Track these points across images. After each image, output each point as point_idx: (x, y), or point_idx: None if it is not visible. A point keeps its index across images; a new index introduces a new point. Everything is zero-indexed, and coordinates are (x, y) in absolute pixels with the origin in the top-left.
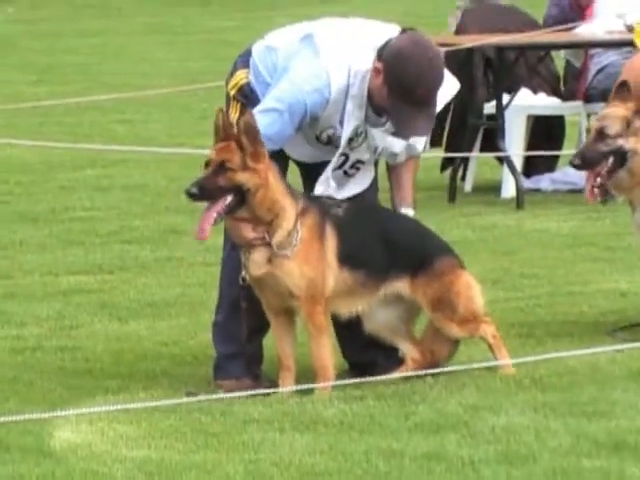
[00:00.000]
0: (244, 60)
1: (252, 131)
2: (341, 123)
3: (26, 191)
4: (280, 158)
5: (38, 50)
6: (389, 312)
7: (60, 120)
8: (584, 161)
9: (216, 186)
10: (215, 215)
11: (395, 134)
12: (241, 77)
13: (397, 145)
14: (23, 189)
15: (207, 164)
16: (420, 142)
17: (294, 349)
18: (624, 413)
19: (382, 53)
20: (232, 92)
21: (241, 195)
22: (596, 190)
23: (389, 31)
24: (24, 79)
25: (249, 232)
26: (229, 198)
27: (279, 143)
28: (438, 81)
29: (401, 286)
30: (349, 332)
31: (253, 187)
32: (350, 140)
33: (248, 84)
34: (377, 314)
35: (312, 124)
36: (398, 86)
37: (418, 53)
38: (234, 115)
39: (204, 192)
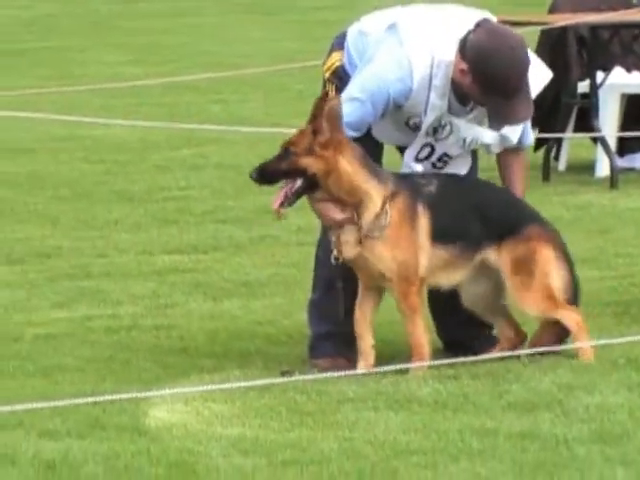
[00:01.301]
0: (340, 42)
1: (334, 117)
2: (425, 112)
3: (122, 170)
4: (373, 141)
5: (135, 30)
6: (485, 285)
7: (157, 100)
8: None
9: (278, 170)
10: (282, 199)
11: (493, 125)
12: (336, 59)
13: (487, 136)
14: (119, 168)
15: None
16: (514, 132)
17: (372, 322)
18: None
19: (464, 52)
20: (327, 74)
21: (310, 179)
22: None
23: (475, 19)
24: (121, 59)
25: (337, 213)
26: (298, 182)
27: (360, 130)
28: (526, 66)
29: (490, 252)
30: (444, 311)
31: (319, 172)
32: (435, 130)
33: (342, 66)
34: (474, 287)
35: (397, 112)
36: (489, 83)
37: (499, 45)
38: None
39: (265, 176)
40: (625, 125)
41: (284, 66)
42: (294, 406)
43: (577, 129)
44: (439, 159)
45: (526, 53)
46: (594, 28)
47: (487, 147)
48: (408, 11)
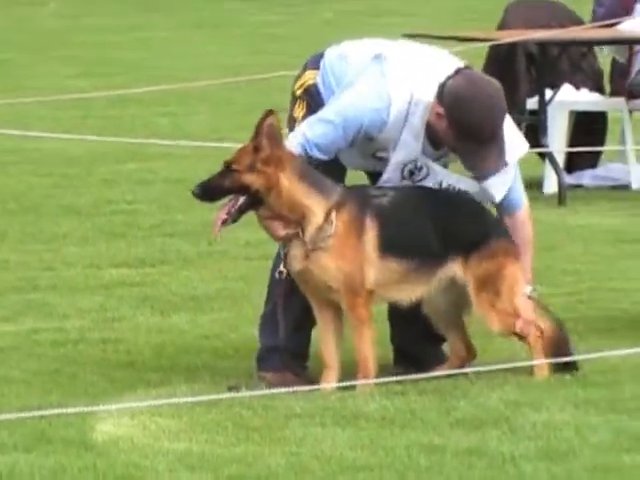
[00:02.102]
0: (315, 61)
1: (273, 134)
2: (394, 148)
3: (70, 184)
4: (336, 164)
5: (83, 44)
6: (448, 298)
7: (103, 113)
8: None
9: (221, 187)
10: (225, 216)
11: (469, 172)
12: (309, 77)
13: (464, 184)
14: (67, 182)
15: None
16: (498, 190)
17: (338, 346)
18: None
19: (441, 97)
20: (298, 92)
21: (254, 196)
22: None
23: (457, 66)
24: (68, 72)
25: (280, 230)
26: (241, 199)
27: (329, 153)
28: (502, 115)
29: (455, 268)
30: (404, 319)
31: (261, 188)
32: (411, 173)
33: (315, 85)
34: (436, 298)
35: (367, 143)
36: (464, 129)
37: (477, 93)
38: (300, 114)
39: (207, 192)
40: (573, 142)
41: (231, 79)
42: (240, 421)
43: None
44: None
45: (503, 103)
46: (543, 45)
47: None
48: (397, 45)
